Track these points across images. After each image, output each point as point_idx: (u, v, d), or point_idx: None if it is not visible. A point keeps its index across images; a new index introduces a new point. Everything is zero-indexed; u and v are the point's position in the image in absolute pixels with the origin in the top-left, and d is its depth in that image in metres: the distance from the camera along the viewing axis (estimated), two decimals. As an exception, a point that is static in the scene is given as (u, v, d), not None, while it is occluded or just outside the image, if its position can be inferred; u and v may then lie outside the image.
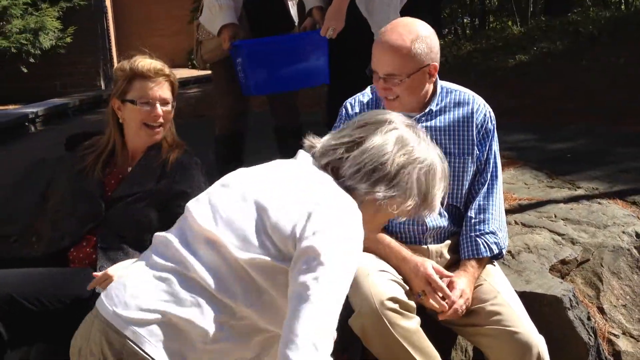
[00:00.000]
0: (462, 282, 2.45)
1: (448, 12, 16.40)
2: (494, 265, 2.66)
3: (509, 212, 3.52)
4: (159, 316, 1.75)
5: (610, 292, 3.22)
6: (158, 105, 2.69)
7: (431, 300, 2.41)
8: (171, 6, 16.09)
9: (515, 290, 2.61)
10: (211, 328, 1.75)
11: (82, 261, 2.60)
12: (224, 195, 1.87)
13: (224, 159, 4.03)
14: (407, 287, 2.44)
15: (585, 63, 8.74)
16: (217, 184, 1.95)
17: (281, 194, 1.81)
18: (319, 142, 1.95)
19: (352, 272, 1.76)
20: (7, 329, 2.32)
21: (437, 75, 2.58)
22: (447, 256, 2.62)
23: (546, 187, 4.14)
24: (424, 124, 2.55)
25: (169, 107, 2.73)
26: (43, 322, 2.37)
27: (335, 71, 3.81)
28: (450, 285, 2.43)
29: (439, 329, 2.55)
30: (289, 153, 2.08)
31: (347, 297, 1.81)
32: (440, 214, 2.60)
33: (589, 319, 2.93)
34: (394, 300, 2.30)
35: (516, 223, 3.57)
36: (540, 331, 2.41)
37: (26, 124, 9.16)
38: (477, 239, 2.56)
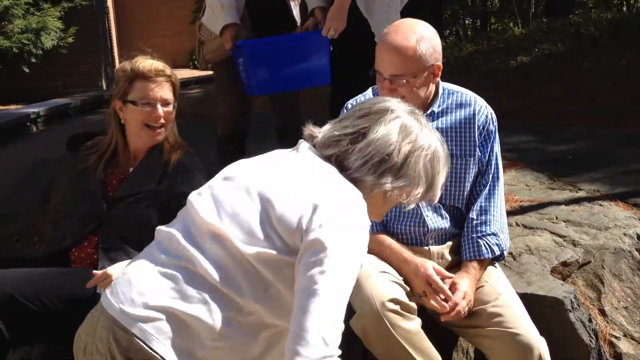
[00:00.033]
0: (465, 283, 2.45)
1: (449, 13, 16.42)
2: (495, 267, 2.66)
3: (510, 213, 3.52)
4: (166, 313, 1.74)
5: (612, 294, 3.22)
6: (159, 106, 2.68)
7: (432, 301, 2.41)
8: (173, 6, 16.12)
9: (517, 292, 2.61)
10: (218, 324, 1.74)
11: (84, 261, 2.59)
12: (228, 189, 1.86)
13: (226, 159, 4.03)
14: (408, 289, 2.44)
15: (586, 65, 8.74)
16: (219, 176, 1.93)
17: (286, 186, 1.80)
18: (319, 132, 1.94)
19: (358, 263, 1.76)
20: (8, 329, 2.32)
21: (440, 76, 2.58)
22: (449, 257, 2.62)
23: (547, 189, 4.14)
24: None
25: (170, 108, 2.73)
26: (44, 322, 2.37)
27: (336, 72, 3.81)
28: (453, 286, 2.43)
29: (440, 330, 2.55)
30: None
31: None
32: (441, 215, 2.60)
33: (590, 320, 2.92)
34: (395, 301, 2.30)
35: (517, 225, 3.57)
36: (542, 333, 2.41)
37: (28, 124, 9.17)
38: (479, 240, 2.56)
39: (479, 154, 2.62)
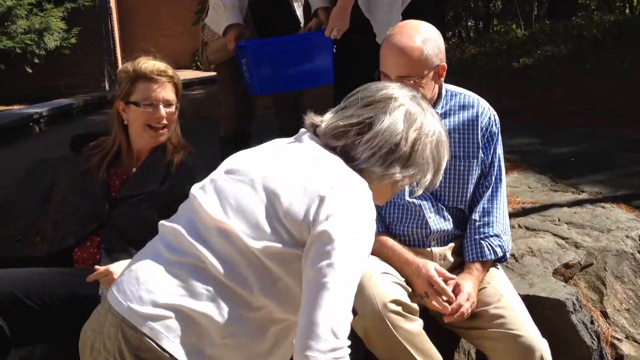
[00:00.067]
0: (468, 285, 2.45)
1: (452, 15, 16.43)
2: (498, 268, 2.66)
3: (512, 215, 3.52)
4: (175, 311, 1.72)
5: (614, 296, 3.22)
6: (161, 106, 2.68)
7: (433, 302, 2.41)
8: (176, 7, 16.14)
9: (519, 294, 2.61)
10: (228, 321, 1.73)
11: (86, 261, 2.59)
12: (232, 182, 1.84)
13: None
14: (410, 290, 2.44)
15: (589, 67, 8.75)
16: (221, 169, 1.91)
17: (291, 178, 1.79)
18: (321, 121, 1.92)
19: (366, 254, 1.75)
20: (9, 328, 2.32)
21: (444, 76, 2.59)
22: (451, 259, 2.62)
23: (550, 191, 4.14)
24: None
25: (172, 109, 2.72)
26: (46, 322, 2.37)
27: (339, 72, 3.81)
28: (457, 288, 2.43)
29: (442, 332, 2.55)
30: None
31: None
32: (444, 217, 2.60)
33: (592, 322, 2.92)
34: (396, 302, 2.30)
35: (520, 226, 3.57)
36: (544, 335, 2.41)
37: (30, 124, 9.18)
38: (482, 241, 2.56)
39: (482, 155, 2.63)
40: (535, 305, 2.77)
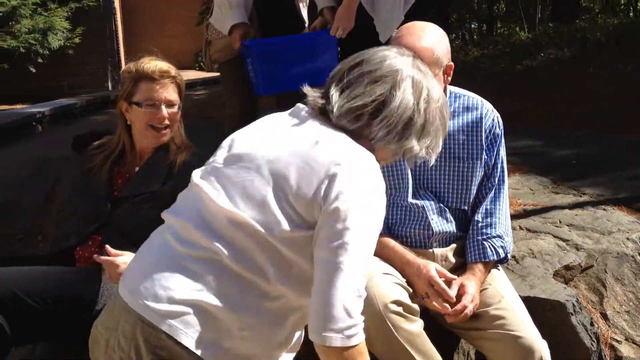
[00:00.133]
0: (472, 286, 2.46)
1: (456, 17, 16.41)
2: (499, 269, 2.66)
3: (514, 217, 3.52)
4: (192, 306, 1.71)
5: (614, 298, 3.22)
6: (163, 107, 2.68)
7: (434, 303, 2.42)
8: (179, 8, 16.14)
9: (519, 295, 2.62)
10: (246, 312, 1.72)
11: (88, 261, 2.59)
12: (237, 170, 1.81)
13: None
14: (411, 290, 2.45)
15: (592, 70, 8.75)
16: (223, 154, 1.89)
17: (297, 158, 1.75)
18: (326, 101, 1.87)
19: (377, 229, 1.75)
20: (10, 326, 2.33)
21: (451, 76, 2.59)
22: (452, 260, 2.62)
23: (551, 193, 4.15)
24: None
25: (175, 109, 2.73)
26: (46, 321, 2.37)
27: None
28: (462, 289, 2.43)
29: (442, 332, 2.56)
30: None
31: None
32: (446, 219, 2.60)
33: (592, 324, 2.93)
34: (397, 303, 2.30)
35: (521, 228, 3.58)
36: (544, 336, 2.41)
37: (33, 123, 9.17)
38: (484, 242, 2.57)
39: (485, 157, 2.63)
40: (536, 307, 2.78)
